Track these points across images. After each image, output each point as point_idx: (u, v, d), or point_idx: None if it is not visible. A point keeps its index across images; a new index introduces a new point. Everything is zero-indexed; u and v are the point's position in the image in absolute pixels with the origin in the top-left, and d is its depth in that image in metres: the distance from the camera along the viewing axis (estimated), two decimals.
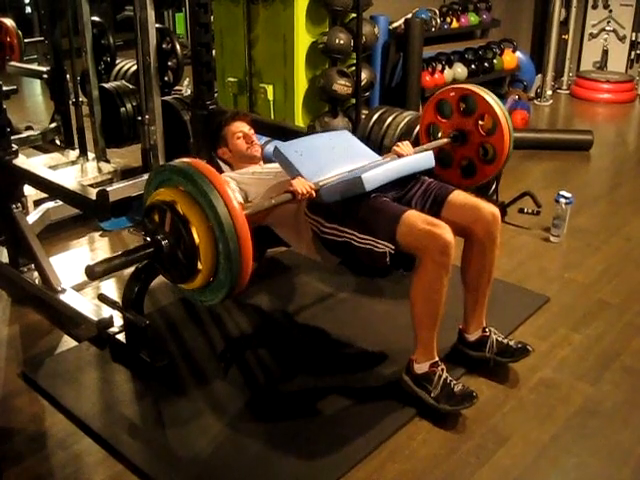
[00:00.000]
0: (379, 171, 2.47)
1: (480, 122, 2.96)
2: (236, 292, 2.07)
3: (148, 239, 2.09)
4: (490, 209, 2.55)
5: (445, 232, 2.28)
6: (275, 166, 2.86)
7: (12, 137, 3.31)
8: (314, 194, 2.40)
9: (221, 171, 3.31)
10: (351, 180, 2.41)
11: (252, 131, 3.03)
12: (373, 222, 2.40)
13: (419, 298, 2.37)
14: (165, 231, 2.04)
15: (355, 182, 2.39)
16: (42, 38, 5.15)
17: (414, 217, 2.36)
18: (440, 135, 3.09)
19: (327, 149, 2.67)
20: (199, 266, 1.99)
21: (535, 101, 7.35)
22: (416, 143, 4.22)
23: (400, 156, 2.71)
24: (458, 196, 2.60)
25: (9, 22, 6.32)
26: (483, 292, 2.64)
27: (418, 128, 4.27)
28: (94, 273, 2.01)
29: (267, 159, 3.02)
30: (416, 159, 2.66)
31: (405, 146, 2.80)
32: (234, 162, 3.01)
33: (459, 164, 3.07)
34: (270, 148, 4.59)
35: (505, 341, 2.66)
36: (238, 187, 2.75)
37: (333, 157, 2.57)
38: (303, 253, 2.73)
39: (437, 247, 2.27)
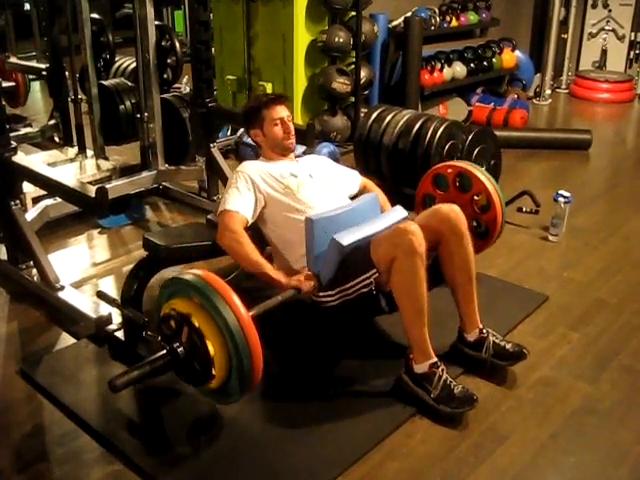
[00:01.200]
0: (353, 229, 2.53)
1: (475, 197, 3.06)
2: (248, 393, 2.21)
3: (165, 347, 2.18)
4: (450, 207, 2.64)
5: (408, 224, 2.39)
6: (307, 169, 2.86)
7: (11, 134, 3.30)
8: (316, 289, 2.51)
9: (213, 169, 3.30)
10: (330, 247, 2.47)
11: (291, 118, 2.89)
12: (353, 265, 2.49)
13: (402, 296, 2.40)
14: (181, 340, 2.13)
15: (333, 245, 2.46)
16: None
17: (380, 234, 2.49)
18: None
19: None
20: (213, 372, 2.10)
21: (534, 100, 7.35)
22: (414, 144, 4.26)
23: None
24: (420, 214, 2.75)
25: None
26: (468, 290, 2.64)
27: (416, 128, 4.31)
28: (116, 387, 2.09)
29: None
30: (388, 214, 2.72)
31: None
32: (265, 147, 2.90)
33: None
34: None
35: (502, 343, 2.65)
36: (262, 192, 2.71)
37: None
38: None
39: (404, 237, 2.34)
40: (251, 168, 2.78)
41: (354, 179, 3.06)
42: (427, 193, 3.23)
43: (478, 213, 3.04)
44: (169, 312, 2.16)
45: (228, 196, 2.69)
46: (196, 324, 2.07)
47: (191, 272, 2.16)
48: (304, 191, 2.72)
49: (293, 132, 2.87)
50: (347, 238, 2.45)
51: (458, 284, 2.63)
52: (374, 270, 2.43)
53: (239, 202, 2.66)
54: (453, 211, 2.61)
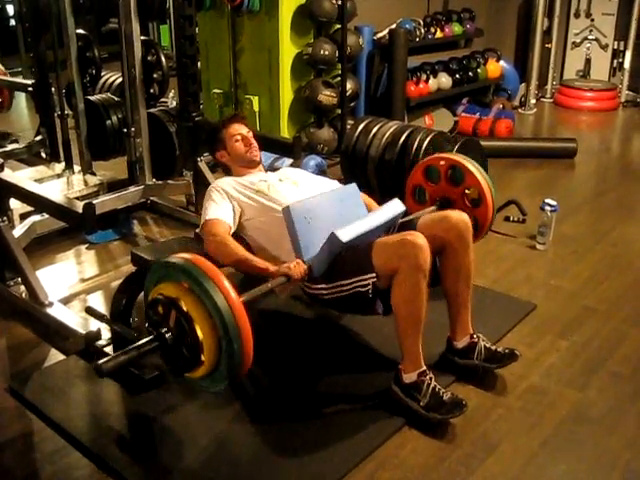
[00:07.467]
0: (352, 224, 2.49)
1: (467, 191, 3.04)
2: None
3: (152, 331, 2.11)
4: (460, 216, 2.63)
5: (416, 237, 2.35)
6: (277, 175, 2.91)
7: None
8: (307, 276, 2.46)
9: (201, 183, 3.29)
10: (328, 241, 2.44)
11: (251, 133, 2.99)
12: (352, 263, 2.47)
13: (401, 306, 2.39)
14: (169, 325, 2.07)
15: (332, 240, 2.42)
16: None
17: (385, 238, 2.47)
18: (426, 198, 3.16)
19: (333, 217, 2.63)
20: (202, 358, 2.03)
21: (519, 110, 7.40)
22: (400, 155, 4.27)
23: None
24: (426, 217, 2.74)
25: None
26: (464, 299, 2.67)
27: (402, 139, 4.33)
28: (102, 371, 2.03)
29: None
30: (386, 208, 2.68)
31: None
32: (233, 165, 2.99)
33: None
34: (274, 163, 4.64)
35: (493, 348, 2.67)
36: (236, 200, 2.76)
37: (336, 227, 2.50)
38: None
39: (410, 251, 2.32)
40: (223, 182, 2.86)
41: (332, 183, 3.05)
42: (418, 184, 3.19)
43: (469, 207, 3.00)
44: (157, 297, 2.10)
45: (206, 210, 2.74)
46: (184, 308, 2.01)
47: (179, 256, 2.11)
48: (275, 190, 2.77)
49: (255, 145, 2.96)
50: (347, 234, 2.40)
51: (457, 291, 2.65)
52: (373, 274, 2.40)
53: (218, 211, 2.71)
54: (462, 220, 2.61)
